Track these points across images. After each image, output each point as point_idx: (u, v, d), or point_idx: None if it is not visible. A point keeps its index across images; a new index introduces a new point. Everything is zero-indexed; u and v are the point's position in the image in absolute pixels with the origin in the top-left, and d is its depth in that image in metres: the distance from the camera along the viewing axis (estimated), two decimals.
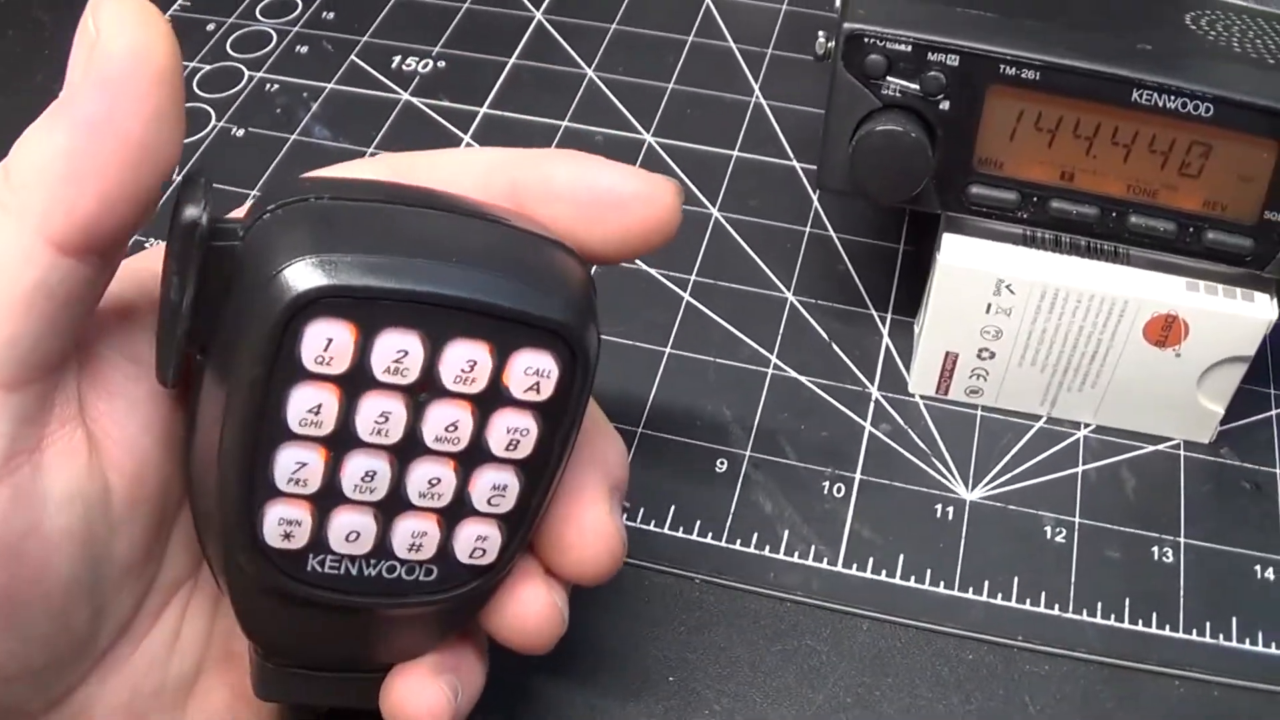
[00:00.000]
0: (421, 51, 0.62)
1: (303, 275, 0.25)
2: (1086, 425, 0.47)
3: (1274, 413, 0.48)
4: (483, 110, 0.58)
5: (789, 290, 0.51)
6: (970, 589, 0.43)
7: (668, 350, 0.49)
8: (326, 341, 0.26)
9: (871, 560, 0.43)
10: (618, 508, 0.33)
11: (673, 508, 0.44)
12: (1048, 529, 0.44)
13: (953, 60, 0.40)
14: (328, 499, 0.28)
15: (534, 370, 0.27)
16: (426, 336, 0.26)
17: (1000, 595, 0.43)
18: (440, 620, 0.32)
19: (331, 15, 0.64)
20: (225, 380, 0.26)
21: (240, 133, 0.58)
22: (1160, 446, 0.47)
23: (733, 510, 0.44)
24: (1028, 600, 0.43)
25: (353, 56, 0.61)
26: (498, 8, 0.64)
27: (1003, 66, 0.40)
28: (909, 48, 0.40)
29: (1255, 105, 0.39)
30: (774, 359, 0.49)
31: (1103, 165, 0.41)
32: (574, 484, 0.31)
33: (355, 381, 0.26)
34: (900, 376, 0.48)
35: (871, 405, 0.47)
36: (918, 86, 0.40)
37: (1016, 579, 0.43)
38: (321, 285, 0.25)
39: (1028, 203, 0.42)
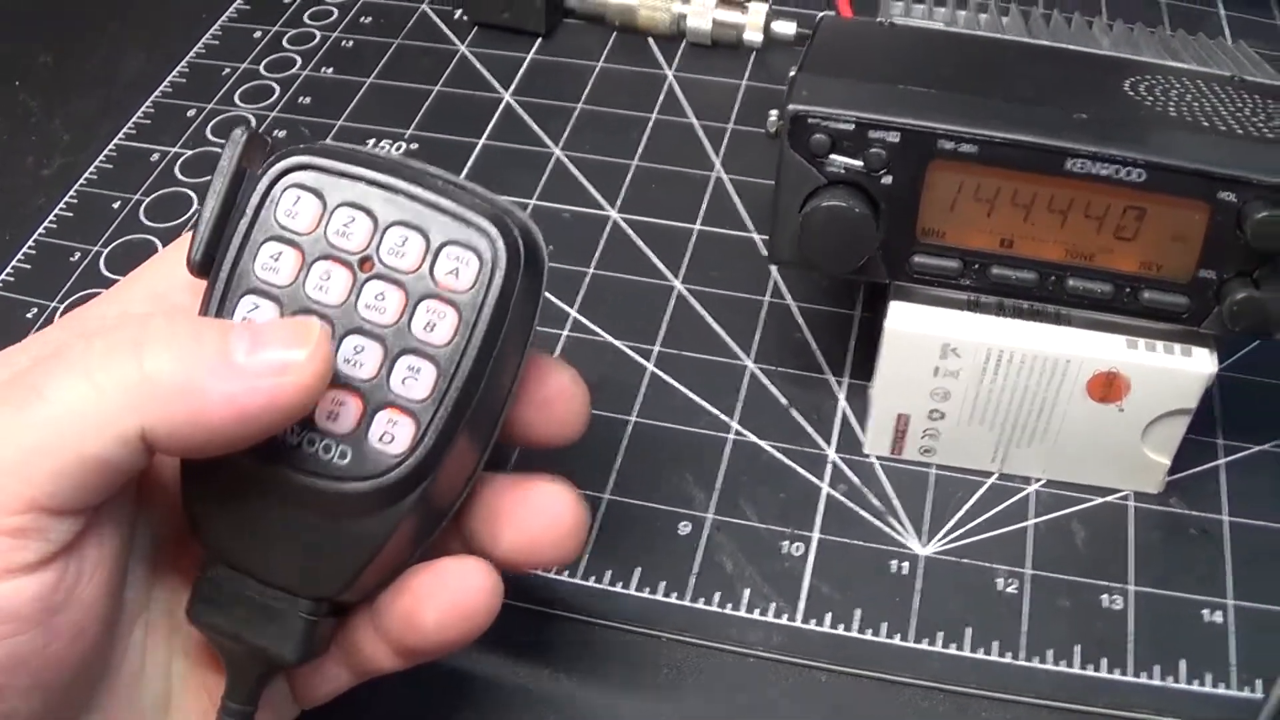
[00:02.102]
0: (395, 134, 0.64)
1: (294, 154, 0.33)
2: (1037, 480, 0.49)
3: (1221, 461, 0.50)
4: None
5: (749, 358, 0.53)
6: (925, 640, 0.44)
7: (633, 419, 0.51)
8: (295, 200, 0.32)
9: (829, 615, 0.45)
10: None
11: (638, 570, 0.46)
12: (1000, 580, 0.46)
13: (893, 137, 0.42)
14: None
15: (456, 259, 0.32)
16: (375, 217, 0.32)
17: (954, 645, 0.44)
18: (363, 530, 0.33)
19: (308, 100, 0.66)
20: (222, 252, 0.33)
21: None
22: (1110, 498, 0.49)
23: (696, 571, 0.46)
24: (981, 650, 0.44)
25: (328, 141, 0.63)
26: (468, 89, 0.66)
27: (941, 142, 0.41)
28: (851, 126, 0.42)
29: (1185, 169, 0.41)
30: (735, 425, 0.50)
31: (1041, 232, 0.43)
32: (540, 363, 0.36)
33: (311, 245, 0.32)
34: (856, 438, 0.50)
35: (829, 467, 0.49)
36: (861, 163, 0.42)
37: (970, 629, 0.45)
38: (298, 160, 0.33)
39: (969, 270, 0.43)
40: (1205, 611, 0.45)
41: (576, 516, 0.36)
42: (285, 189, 0.32)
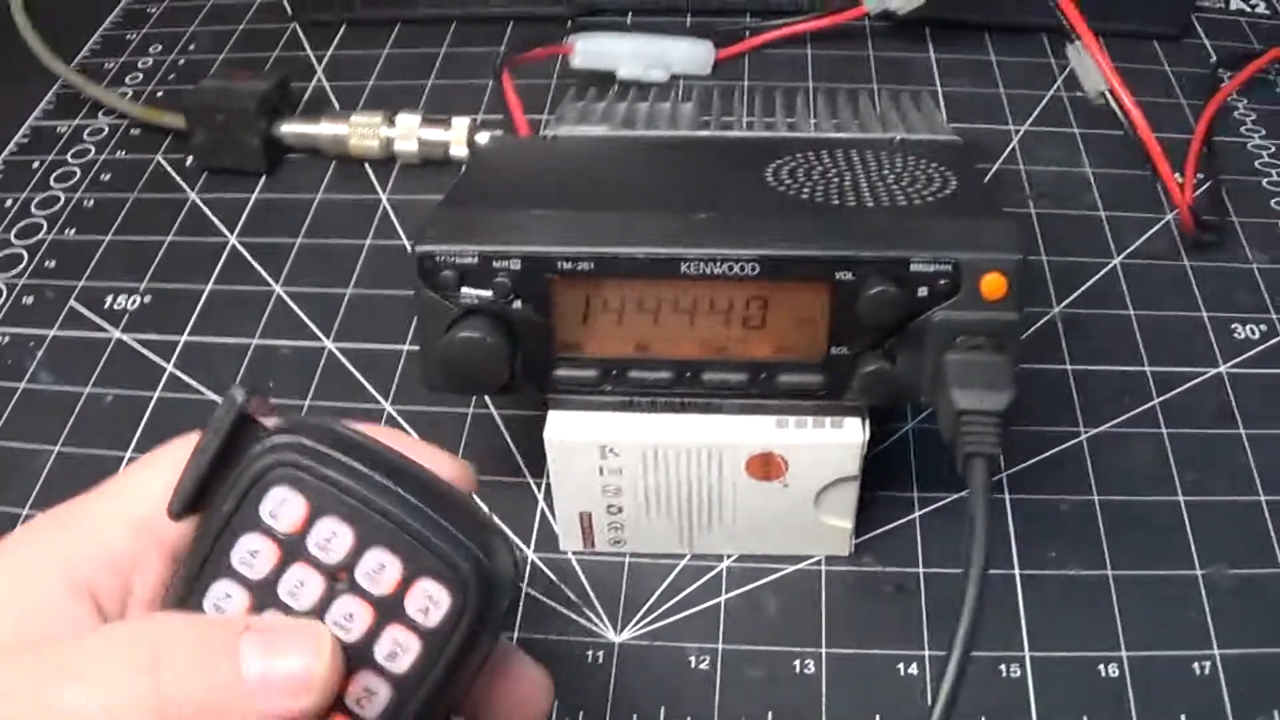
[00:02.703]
0: (130, 288, 0.66)
1: (290, 447, 0.32)
2: (729, 556, 0.52)
3: (916, 515, 0.53)
4: (183, 339, 0.63)
5: None
6: None
7: None
8: (282, 501, 0.32)
9: None
10: None
11: None
12: (692, 659, 0.49)
13: (515, 265, 0.44)
14: None
15: (429, 596, 0.32)
16: (359, 535, 0.32)
17: None
18: None
19: (53, 264, 0.68)
20: (206, 521, 0.33)
21: None
22: (802, 565, 0.52)
23: None
24: None
25: (71, 301, 0.65)
26: (198, 236, 0.69)
27: (560, 263, 0.44)
28: (475, 259, 0.44)
29: (797, 257, 0.43)
30: None
31: (672, 332, 0.45)
32: None
33: (291, 548, 0.32)
34: (554, 535, 0.52)
35: (528, 566, 0.52)
36: (490, 292, 0.45)
37: (663, 709, 0.47)
38: (298, 460, 0.32)
39: (609, 376, 0.46)
40: (900, 666, 0.48)
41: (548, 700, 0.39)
42: (275, 484, 0.32)
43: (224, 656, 0.30)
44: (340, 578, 0.32)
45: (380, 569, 0.32)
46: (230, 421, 0.33)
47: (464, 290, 0.45)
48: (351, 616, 0.32)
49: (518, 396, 0.46)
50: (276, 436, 0.33)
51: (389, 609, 0.32)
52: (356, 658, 0.32)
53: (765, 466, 0.48)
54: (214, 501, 0.33)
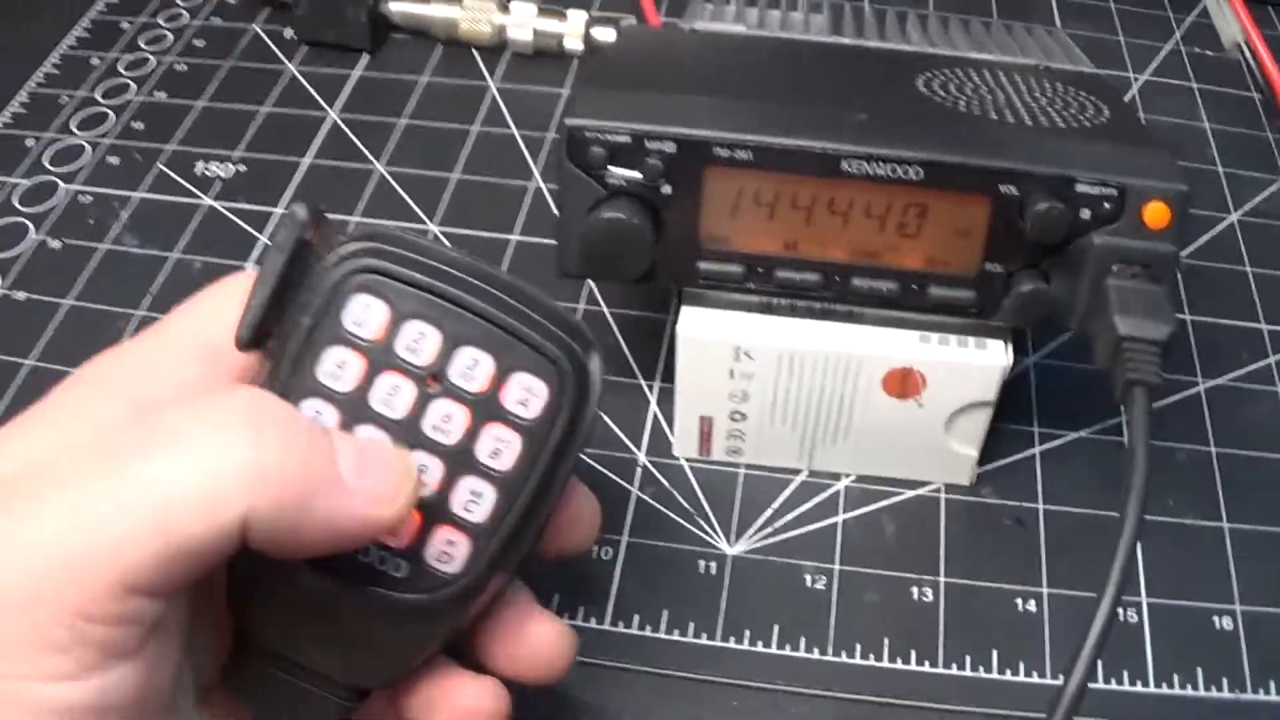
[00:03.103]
0: (223, 156, 0.64)
1: (366, 253, 0.32)
2: (847, 476, 0.50)
3: (1036, 450, 0.51)
4: (278, 210, 0.60)
5: None
6: (732, 639, 0.45)
7: None
8: (365, 307, 0.31)
9: (637, 617, 0.46)
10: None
11: None
12: (807, 577, 0.47)
13: (669, 147, 0.42)
14: None
15: (527, 388, 0.32)
16: (446, 334, 0.32)
17: (760, 643, 0.45)
18: (409, 634, 0.34)
19: (141, 125, 0.66)
20: (282, 342, 0.32)
21: (57, 244, 0.60)
22: (921, 491, 0.50)
23: None
24: (787, 646, 0.45)
25: (159, 164, 0.63)
26: (296, 109, 0.66)
27: (716, 149, 0.42)
28: (627, 139, 0.42)
29: (963, 165, 0.41)
30: None
31: (823, 233, 0.43)
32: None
33: (379, 355, 0.32)
34: (667, 441, 0.51)
35: (639, 471, 0.50)
36: (639, 174, 0.43)
37: (776, 626, 0.46)
38: (378, 265, 0.31)
39: (754, 274, 0.44)
40: (1019, 601, 0.47)
41: (568, 650, 0.37)
42: (354, 291, 0.31)
43: (323, 441, 0.29)
44: (431, 383, 0.32)
45: (474, 365, 0.32)
46: (293, 242, 0.31)
47: (612, 169, 0.43)
48: (449, 418, 0.32)
49: (655, 287, 0.44)
50: (350, 244, 0.32)
51: (486, 407, 0.32)
52: (457, 461, 0.32)
53: (902, 383, 0.46)
54: (286, 323, 0.32)
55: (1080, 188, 0.41)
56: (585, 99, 0.43)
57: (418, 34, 0.70)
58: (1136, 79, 0.70)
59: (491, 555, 0.33)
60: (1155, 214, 0.41)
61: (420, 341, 0.31)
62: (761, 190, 0.43)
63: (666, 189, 0.43)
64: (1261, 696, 0.44)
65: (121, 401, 0.32)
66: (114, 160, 0.64)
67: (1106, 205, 0.41)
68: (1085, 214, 0.41)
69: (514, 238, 0.59)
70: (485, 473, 0.32)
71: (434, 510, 0.32)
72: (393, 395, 0.32)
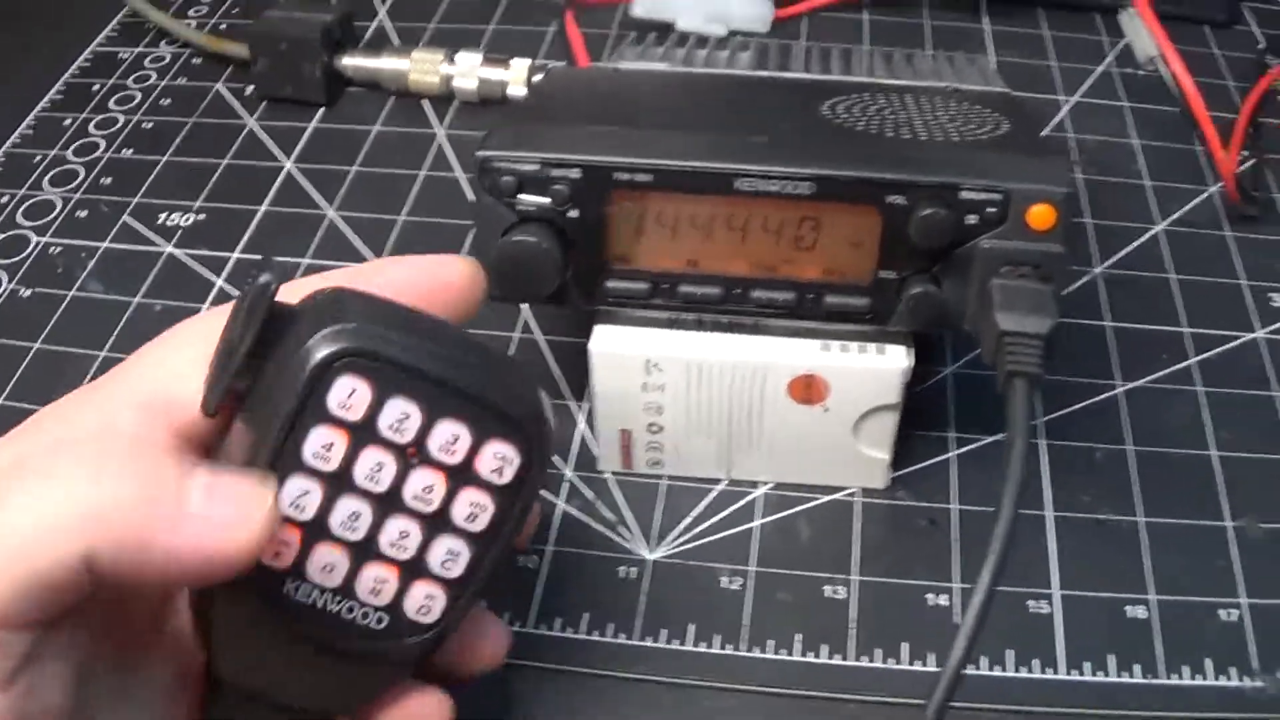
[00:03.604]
0: (184, 207, 0.67)
1: (346, 335, 0.32)
2: (765, 484, 0.52)
3: (952, 454, 0.54)
4: (235, 255, 0.63)
5: None
6: (649, 638, 0.47)
7: None
8: (350, 391, 0.32)
9: (559, 620, 0.48)
10: None
11: None
12: (723, 579, 0.49)
13: (575, 174, 0.45)
14: (316, 530, 0.33)
15: (501, 457, 0.34)
16: (426, 409, 0.33)
17: (676, 641, 0.47)
18: (380, 672, 0.36)
19: (109, 180, 0.69)
20: (257, 416, 0.33)
21: (27, 292, 0.63)
22: (837, 496, 0.52)
23: None
24: (702, 644, 0.47)
25: (125, 216, 0.67)
26: (253, 160, 0.70)
27: (617, 174, 0.45)
28: (535, 167, 0.45)
29: (850, 178, 0.44)
30: None
31: (724, 249, 0.46)
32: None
33: (363, 432, 0.33)
34: (593, 457, 0.53)
35: (565, 486, 0.53)
36: (548, 199, 0.45)
37: (692, 626, 0.48)
38: (358, 346, 0.32)
39: (659, 290, 0.47)
40: (930, 596, 0.49)
41: (507, 642, 0.41)
42: (339, 375, 0.32)
43: (168, 476, 0.31)
44: (411, 454, 0.33)
45: (454, 440, 0.33)
46: (263, 311, 0.32)
47: (522, 197, 0.45)
48: (430, 489, 0.34)
49: (567, 308, 0.47)
50: (328, 327, 0.32)
51: (463, 475, 0.34)
52: (436, 524, 0.34)
53: (807, 389, 0.48)
54: (258, 394, 0.33)
55: (964, 194, 0.44)
56: (497, 133, 0.46)
57: (371, 87, 0.73)
58: (1067, 101, 0.73)
59: (467, 602, 0.35)
60: (1040, 216, 0.43)
61: (404, 421, 0.33)
62: (663, 211, 0.45)
63: (574, 213, 0.46)
64: (1175, 681, 0.46)
65: (47, 439, 0.34)
66: (82, 213, 0.67)
67: (991, 210, 0.44)
68: (972, 219, 0.44)
69: None
70: (462, 533, 0.34)
71: (413, 568, 0.34)
72: (377, 470, 0.33)
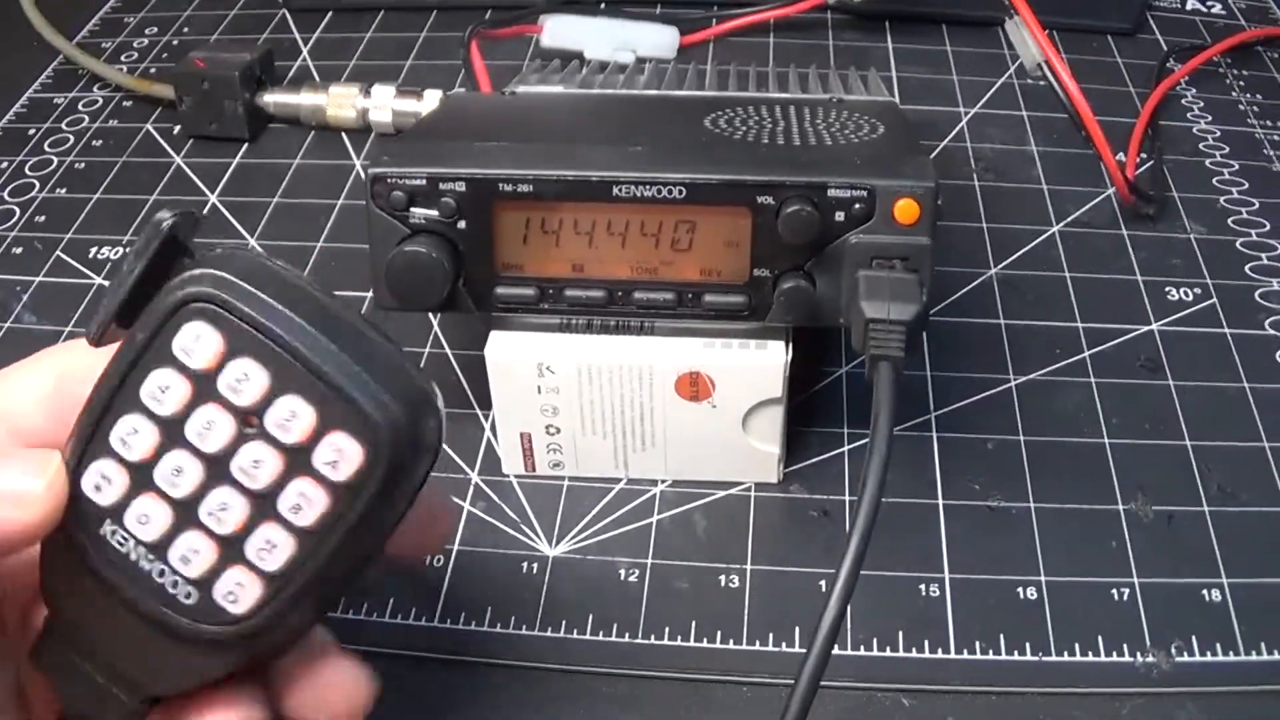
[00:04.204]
0: (114, 240, 0.69)
1: (211, 281, 0.31)
2: (663, 481, 0.54)
3: (845, 449, 0.56)
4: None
5: None
6: (549, 629, 0.49)
7: None
8: (197, 336, 0.31)
9: (463, 614, 0.50)
10: None
11: None
12: (622, 572, 0.51)
13: (460, 187, 0.47)
14: (140, 476, 0.32)
15: (339, 449, 0.31)
16: (273, 378, 0.31)
17: (575, 631, 0.49)
18: (191, 658, 0.33)
19: (43, 218, 0.71)
20: (121, 351, 0.32)
21: None
22: (732, 491, 0.54)
23: None
24: (601, 632, 0.49)
25: (58, 251, 0.69)
26: (180, 195, 0.72)
27: (501, 185, 0.47)
28: (423, 181, 0.47)
29: (721, 181, 0.46)
30: None
31: (606, 254, 0.48)
32: None
33: (204, 384, 0.31)
34: (498, 461, 0.55)
35: (471, 488, 0.55)
36: (436, 212, 0.48)
37: (591, 616, 0.50)
38: (218, 295, 0.31)
39: (546, 295, 0.49)
40: (822, 583, 0.51)
41: (366, 693, 0.36)
42: (191, 318, 0.31)
43: None
44: (251, 423, 0.31)
45: (292, 417, 0.31)
46: (155, 246, 0.31)
47: (413, 210, 0.48)
48: (259, 463, 0.31)
49: (460, 315, 0.49)
50: (198, 269, 0.31)
51: (297, 459, 0.31)
52: (260, 507, 0.32)
53: (693, 386, 0.50)
54: (137, 323, 0.32)
55: (832, 192, 0.46)
56: (388, 150, 0.49)
57: (292, 122, 0.76)
58: (967, 112, 0.76)
59: (283, 603, 0.32)
60: (905, 211, 0.46)
61: (244, 383, 0.31)
62: (546, 219, 0.48)
63: (462, 224, 0.48)
64: (1065, 658, 0.48)
65: None
66: (18, 250, 0.69)
67: (858, 206, 0.46)
68: (839, 216, 0.46)
69: (367, 294, 0.63)
70: (285, 524, 0.31)
71: (230, 548, 0.32)
72: (208, 429, 0.31)
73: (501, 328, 0.51)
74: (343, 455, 0.31)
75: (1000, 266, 0.65)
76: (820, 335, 0.55)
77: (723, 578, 0.51)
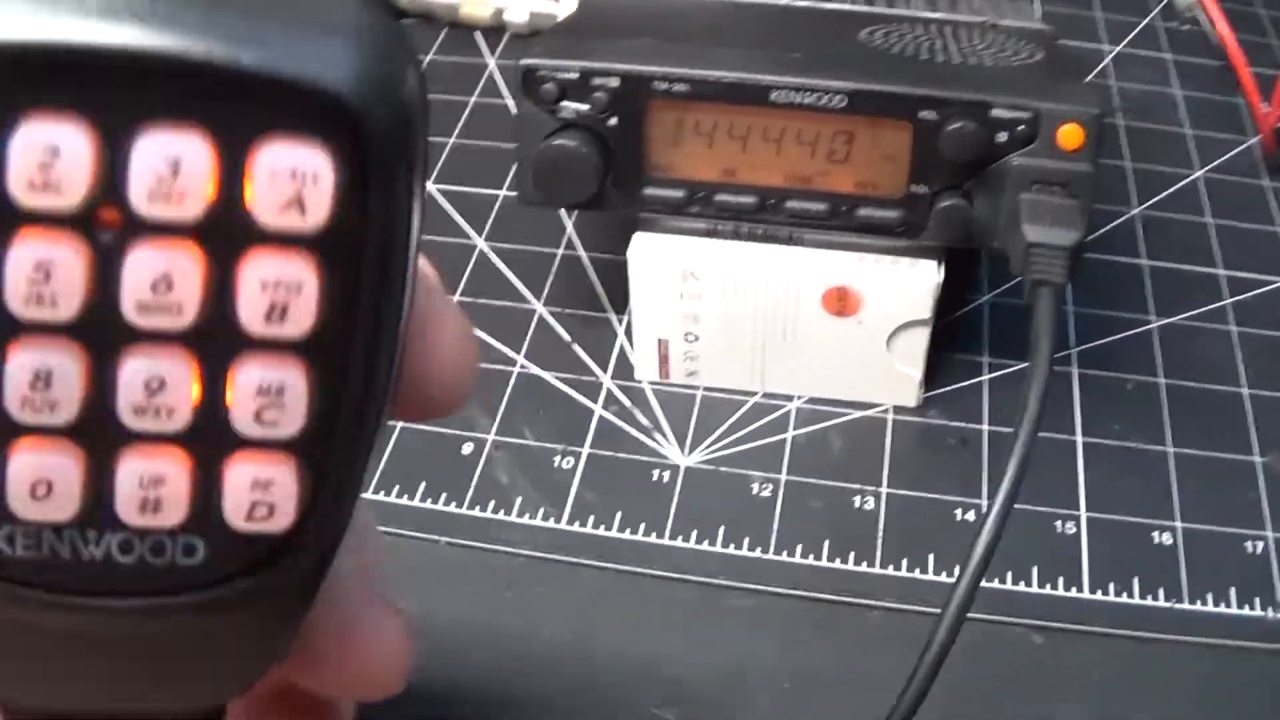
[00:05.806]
0: None
1: None
2: (799, 398, 0.54)
3: (985, 378, 0.55)
4: None
5: (539, 302, 0.57)
6: (679, 538, 0.49)
7: None
8: None
9: (592, 518, 0.49)
10: None
11: (422, 484, 0.50)
12: (755, 486, 0.51)
13: (614, 82, 0.46)
14: None
15: (291, 172, 0.17)
16: (98, 125, 0.16)
17: (706, 542, 0.49)
18: (234, 645, 0.21)
19: None
20: None
21: None
22: (869, 412, 0.53)
23: (474, 484, 0.50)
24: (731, 545, 0.49)
25: None
26: None
27: (656, 83, 0.46)
28: (576, 75, 0.47)
29: (884, 92, 0.45)
30: (520, 359, 0.55)
31: (759, 160, 0.47)
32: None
33: None
34: (631, 366, 0.54)
35: (603, 392, 0.54)
36: (588, 106, 0.47)
37: (722, 528, 0.49)
38: None
39: (696, 198, 0.48)
40: (958, 512, 0.50)
41: (404, 655, 0.25)
42: None
43: None
44: (109, 222, 0.17)
45: (173, 169, 0.17)
46: None
47: (563, 104, 0.47)
48: (170, 280, 0.17)
49: (597, 215, 0.48)
50: None
51: (229, 229, 0.17)
52: (214, 343, 0.18)
53: (840, 301, 0.49)
54: None
55: (995, 112, 0.45)
56: (541, 44, 0.48)
57: (425, 18, 0.75)
58: (1111, 50, 0.74)
59: (337, 477, 0.19)
60: (1069, 136, 0.45)
61: (52, 164, 0.16)
62: (700, 121, 0.47)
63: (613, 121, 0.47)
64: (1199, 607, 0.47)
65: None
66: None
67: (1021, 128, 0.45)
68: (1002, 137, 0.45)
69: (500, 192, 0.63)
70: (274, 345, 0.18)
71: (209, 441, 0.19)
72: (42, 281, 0.17)
73: (646, 229, 0.50)
74: (306, 180, 0.17)
75: (1144, 207, 0.63)
76: (966, 260, 0.54)
77: (857, 499, 0.50)
